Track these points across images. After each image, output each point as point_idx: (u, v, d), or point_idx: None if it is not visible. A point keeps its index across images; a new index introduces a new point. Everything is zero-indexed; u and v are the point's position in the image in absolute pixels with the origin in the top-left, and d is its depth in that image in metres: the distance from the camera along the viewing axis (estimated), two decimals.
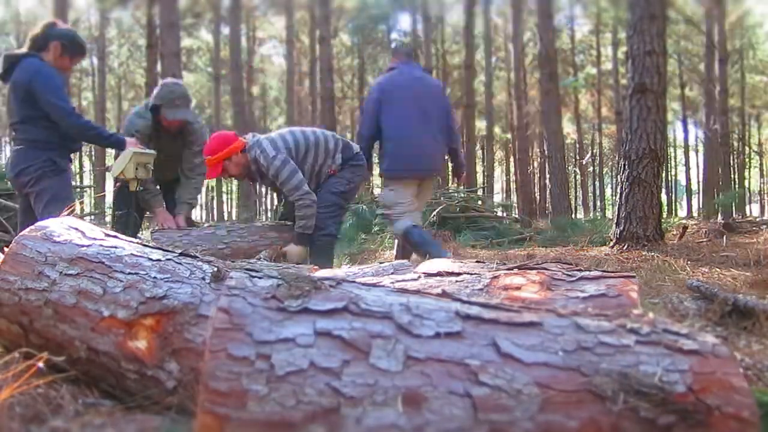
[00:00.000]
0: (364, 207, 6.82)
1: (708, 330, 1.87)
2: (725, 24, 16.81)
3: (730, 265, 3.85)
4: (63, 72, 3.25)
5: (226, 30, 17.25)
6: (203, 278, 1.20)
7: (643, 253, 4.46)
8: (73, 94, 21.26)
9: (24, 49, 3.16)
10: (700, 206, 20.72)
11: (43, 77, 3.01)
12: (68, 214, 1.69)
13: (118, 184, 3.52)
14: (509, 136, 25.14)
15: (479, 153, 24.28)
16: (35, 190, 3.07)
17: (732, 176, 20.67)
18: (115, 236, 1.37)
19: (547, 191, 14.12)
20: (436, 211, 6.69)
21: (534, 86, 19.58)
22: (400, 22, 34.92)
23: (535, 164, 25.11)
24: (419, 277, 1.62)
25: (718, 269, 3.61)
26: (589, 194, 29.49)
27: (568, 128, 23.29)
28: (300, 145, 3.45)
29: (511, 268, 1.55)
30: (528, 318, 0.89)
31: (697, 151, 28.63)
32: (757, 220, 10.50)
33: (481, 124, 21.82)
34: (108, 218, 8.85)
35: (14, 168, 3.10)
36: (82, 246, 1.29)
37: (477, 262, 2.11)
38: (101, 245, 1.29)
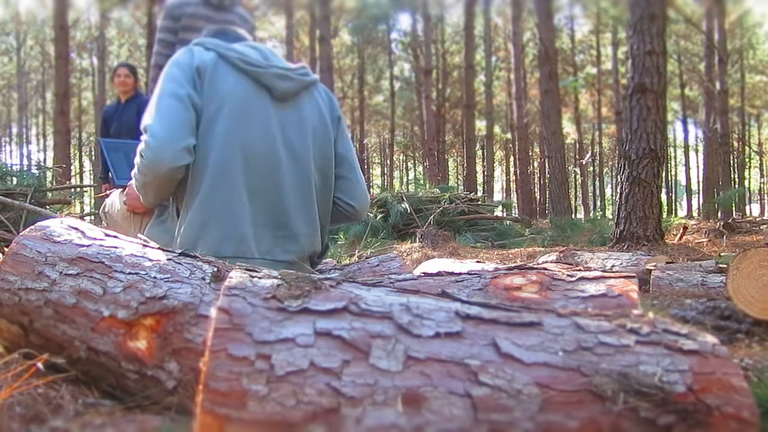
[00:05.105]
0: None
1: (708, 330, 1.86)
2: (725, 24, 16.81)
3: None
4: None
5: None
6: (203, 278, 1.19)
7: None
8: (73, 94, 21.24)
9: None
10: (700, 206, 20.72)
11: None
12: (67, 214, 1.69)
13: None
14: (509, 136, 25.14)
15: (479, 153, 24.28)
16: None
17: (732, 176, 20.65)
18: (115, 236, 1.37)
19: (547, 191, 14.11)
20: (436, 212, 6.69)
21: (534, 86, 19.59)
22: (400, 22, 34.86)
23: (535, 164, 25.11)
24: (419, 277, 1.62)
25: None
26: (589, 194, 29.47)
27: (568, 128, 23.28)
28: None
29: (511, 268, 1.55)
30: (528, 318, 0.89)
31: (697, 151, 28.61)
32: (757, 219, 10.50)
33: (481, 124, 21.81)
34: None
35: None
36: (82, 246, 1.29)
37: (477, 262, 2.11)
38: (101, 245, 1.29)
